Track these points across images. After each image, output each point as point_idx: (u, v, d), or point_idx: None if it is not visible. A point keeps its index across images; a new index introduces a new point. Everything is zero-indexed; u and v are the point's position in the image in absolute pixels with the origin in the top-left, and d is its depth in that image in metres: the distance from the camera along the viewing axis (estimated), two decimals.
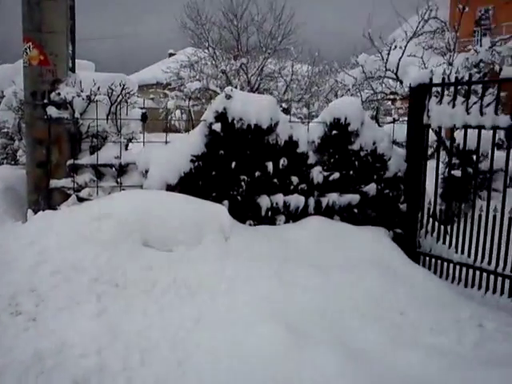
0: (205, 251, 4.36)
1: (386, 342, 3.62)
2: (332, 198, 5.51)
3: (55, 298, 3.60)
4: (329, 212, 5.51)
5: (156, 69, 23.29)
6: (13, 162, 6.96)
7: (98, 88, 5.00)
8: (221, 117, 5.12)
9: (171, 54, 29.48)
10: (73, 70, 5.24)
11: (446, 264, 5.34)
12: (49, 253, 3.99)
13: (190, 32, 16.94)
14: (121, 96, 5.14)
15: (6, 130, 6.94)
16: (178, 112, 14.16)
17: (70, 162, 5.00)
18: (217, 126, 5.09)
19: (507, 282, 4.81)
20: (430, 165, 5.70)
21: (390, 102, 11.74)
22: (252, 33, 16.95)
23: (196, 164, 5.07)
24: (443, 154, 6.46)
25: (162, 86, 18.17)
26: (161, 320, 3.59)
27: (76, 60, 5.35)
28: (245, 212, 5.24)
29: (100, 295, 3.69)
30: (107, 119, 5.11)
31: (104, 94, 5.04)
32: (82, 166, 5.05)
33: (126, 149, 5.34)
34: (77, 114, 4.94)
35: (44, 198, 4.97)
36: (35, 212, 4.79)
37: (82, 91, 4.92)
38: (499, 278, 4.87)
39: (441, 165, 5.67)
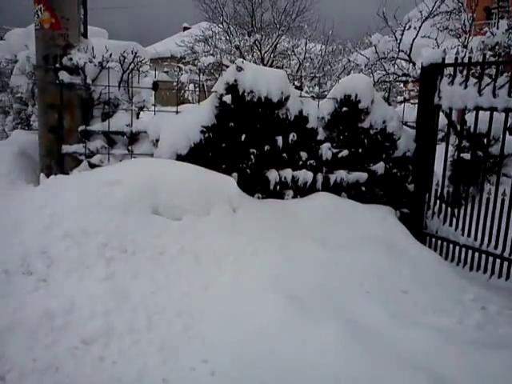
0: (213, 221, 4.39)
1: (387, 318, 3.65)
2: (340, 175, 5.52)
3: (65, 261, 3.65)
4: (336, 189, 5.52)
5: (170, 42, 22.99)
6: (26, 127, 7.00)
7: (110, 55, 5.00)
8: (231, 88, 5.11)
9: (186, 28, 29.14)
10: (85, 35, 5.23)
11: (451, 246, 5.32)
12: (60, 216, 4.02)
13: (205, 6, 16.80)
14: (133, 64, 5.14)
15: (19, 94, 6.93)
16: (191, 86, 14.08)
17: (81, 127, 5.03)
18: (227, 98, 5.09)
19: None
20: (440, 147, 5.67)
21: (402, 84, 11.58)
22: (266, 9, 16.77)
23: (206, 135, 5.07)
24: (453, 137, 6.43)
25: (176, 59, 18.02)
26: (168, 286, 3.65)
27: (88, 26, 5.33)
28: (253, 185, 5.27)
29: (109, 260, 3.74)
30: (119, 86, 5.12)
31: (116, 62, 5.04)
32: (93, 132, 5.08)
33: (138, 117, 5.36)
34: (89, 80, 4.96)
35: (56, 162, 5.02)
36: (48, 176, 4.85)
37: (94, 57, 4.92)
38: (505, 263, 4.83)
39: (450, 147, 5.63)
